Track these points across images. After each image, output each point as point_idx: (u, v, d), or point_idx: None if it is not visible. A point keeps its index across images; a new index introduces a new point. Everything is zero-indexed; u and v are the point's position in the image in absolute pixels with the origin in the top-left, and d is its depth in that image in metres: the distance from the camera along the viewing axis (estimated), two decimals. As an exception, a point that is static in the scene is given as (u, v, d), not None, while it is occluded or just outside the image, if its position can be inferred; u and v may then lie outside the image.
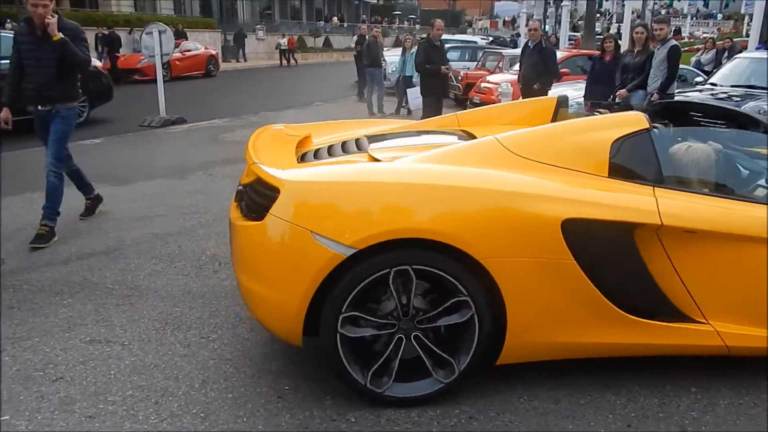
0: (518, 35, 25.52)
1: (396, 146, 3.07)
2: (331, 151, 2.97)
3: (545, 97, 4.11)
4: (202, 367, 2.76)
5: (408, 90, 10.33)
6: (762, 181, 2.91)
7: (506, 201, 2.35)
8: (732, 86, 8.10)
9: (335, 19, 43.87)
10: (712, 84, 8.27)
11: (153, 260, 4.06)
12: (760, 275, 2.47)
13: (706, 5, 43.90)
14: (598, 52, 9.17)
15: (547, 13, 37.00)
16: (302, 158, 2.91)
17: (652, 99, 6.78)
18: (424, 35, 8.24)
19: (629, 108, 7.18)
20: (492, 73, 12.84)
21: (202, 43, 22.30)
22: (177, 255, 4.17)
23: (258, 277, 2.43)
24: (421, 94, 8.28)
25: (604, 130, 2.62)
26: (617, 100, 7.31)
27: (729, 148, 3.01)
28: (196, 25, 26.23)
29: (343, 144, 3.09)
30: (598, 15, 42.18)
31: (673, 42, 6.99)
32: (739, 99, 7.49)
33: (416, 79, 11.34)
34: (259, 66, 26.85)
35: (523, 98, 8.13)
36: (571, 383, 2.66)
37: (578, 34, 30.02)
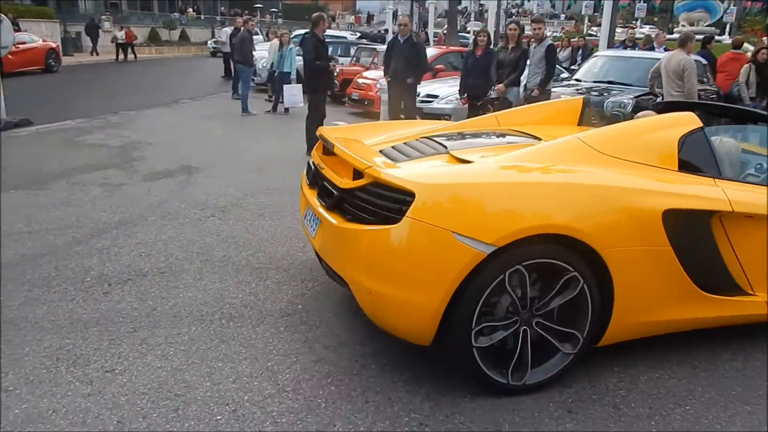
0: (386, 31, 26.11)
1: (474, 147, 3.21)
2: (404, 151, 3.10)
3: (571, 98, 4.48)
4: (113, 406, 2.47)
5: (285, 87, 10.09)
6: None
7: (621, 196, 2.61)
8: (594, 82, 8.94)
9: (191, 10, 41.76)
10: (577, 80, 9.07)
11: (25, 286, 3.56)
12: None
13: (552, 6, 48.19)
14: (468, 49, 9.68)
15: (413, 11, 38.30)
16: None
17: (533, 94, 7.30)
18: (307, 30, 8.05)
19: (509, 103, 7.68)
20: (368, 69, 12.99)
21: (38, 35, 20.05)
22: (54, 278, 3.69)
23: (394, 281, 2.46)
24: (308, 91, 8.08)
25: (670, 128, 2.97)
26: (495, 95, 7.73)
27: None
28: (29, 14, 23.51)
29: (408, 144, 3.26)
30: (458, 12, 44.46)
31: (550, 41, 7.58)
32: (601, 93, 8.28)
33: (294, 76, 11.17)
34: (110, 60, 24.76)
35: (391, 92, 8.27)
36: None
37: (440, 30, 31.44)
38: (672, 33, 22.83)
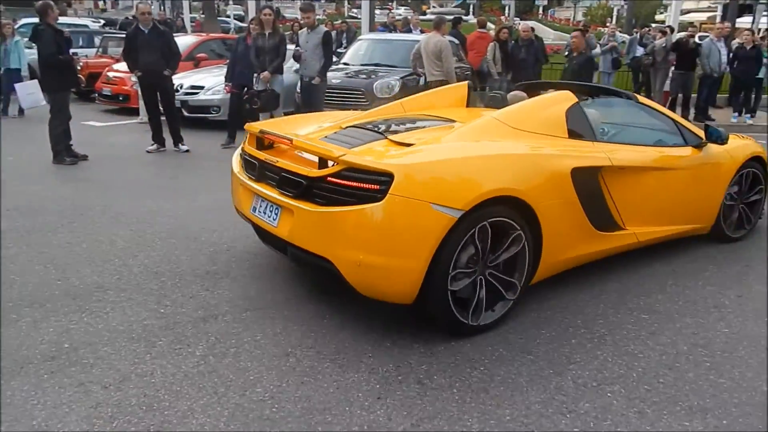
0: (134, 17, 24.14)
1: (405, 131, 3.68)
2: (345, 140, 3.44)
3: (458, 84, 5.06)
4: None
5: (18, 86, 8.72)
6: (656, 133, 4.44)
7: (542, 161, 3.40)
8: (362, 65, 9.36)
9: None
10: (345, 63, 9.40)
11: None
12: (664, 190, 4.15)
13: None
14: (240, 35, 9.41)
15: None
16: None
17: (313, 82, 7.37)
18: (38, 21, 6.97)
19: (276, 95, 7.63)
20: (118, 60, 11.86)
21: None
22: None
23: (382, 251, 2.88)
24: (47, 90, 7.03)
25: (557, 104, 3.83)
26: (260, 86, 7.59)
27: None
28: None
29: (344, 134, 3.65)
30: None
31: (325, 28, 7.71)
32: (369, 76, 8.70)
33: (25, 72, 9.73)
34: None
35: (144, 88, 7.67)
36: (314, 376, 2.77)
37: (197, 15, 30.11)
38: (425, 14, 25.01)
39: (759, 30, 22.03)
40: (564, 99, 3.91)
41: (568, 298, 3.72)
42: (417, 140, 3.32)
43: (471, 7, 34.68)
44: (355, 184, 2.92)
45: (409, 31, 14.10)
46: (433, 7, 26.75)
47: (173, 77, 7.77)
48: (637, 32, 13.99)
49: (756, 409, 2.68)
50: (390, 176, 2.84)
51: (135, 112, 10.07)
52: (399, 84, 8.36)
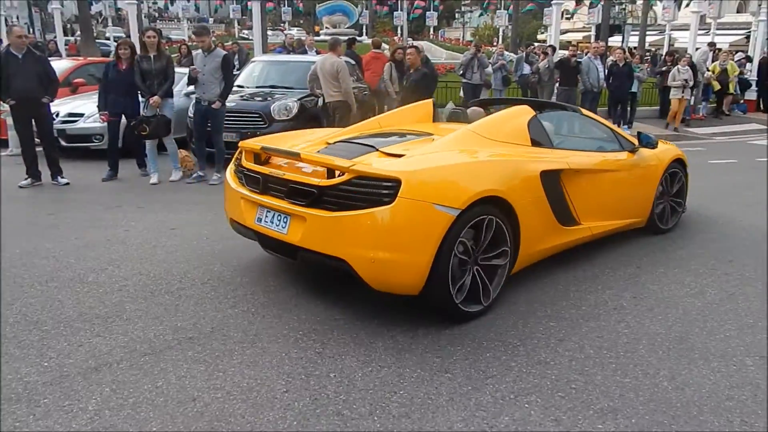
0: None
1: (392, 144, 4.00)
2: (339, 153, 3.75)
3: (423, 102, 5.48)
4: None
5: None
6: (597, 141, 5.11)
7: (517, 165, 3.96)
8: (257, 87, 9.21)
9: None
10: (239, 86, 9.20)
11: None
12: (609, 190, 4.85)
13: (197, 9, 48.15)
14: (111, 59, 8.94)
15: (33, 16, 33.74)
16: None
17: (213, 107, 7.11)
18: None
19: (167, 120, 7.31)
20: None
21: None
22: None
23: (393, 247, 3.27)
24: None
25: (520, 117, 4.45)
26: (149, 112, 7.24)
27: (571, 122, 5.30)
28: None
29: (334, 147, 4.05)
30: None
31: (224, 51, 7.49)
32: (265, 98, 8.57)
33: None
34: None
35: (17, 116, 7.08)
36: (224, 419, 2.63)
37: (72, 38, 28.56)
38: (318, 35, 25.16)
39: (629, 48, 24.13)
40: (524, 112, 4.55)
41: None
42: (405, 151, 3.76)
43: (364, 28, 35.35)
44: (365, 190, 3.33)
45: (305, 52, 14.13)
46: (326, 28, 26.95)
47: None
48: (523, 51, 14.86)
49: (659, 405, 2.85)
50: (397, 182, 3.27)
51: (3, 144, 9.28)
52: (297, 105, 8.29)
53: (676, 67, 13.23)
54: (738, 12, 39.98)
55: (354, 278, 3.41)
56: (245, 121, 8.07)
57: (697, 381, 3.07)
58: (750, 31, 18.94)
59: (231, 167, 4.29)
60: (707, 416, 2.78)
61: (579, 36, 45.09)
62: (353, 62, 11.05)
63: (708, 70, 14.78)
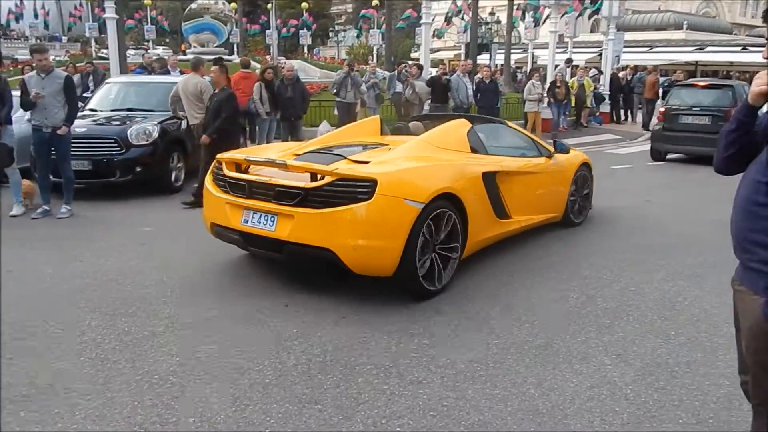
0: None
1: (358, 153, 4.76)
2: (314, 160, 4.49)
3: (371, 117, 6.74)
4: None
5: None
6: (521, 148, 6.08)
7: (464, 168, 4.83)
8: (112, 110, 8.66)
9: None
10: (92, 110, 8.62)
11: None
12: (533, 189, 5.78)
13: (47, 27, 44.92)
14: None
15: None
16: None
17: (59, 132, 6.52)
18: None
19: (9, 148, 6.67)
20: None
21: None
22: None
23: (372, 236, 4.04)
24: None
25: (460, 128, 5.39)
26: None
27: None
28: None
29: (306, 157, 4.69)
30: None
31: (64, 73, 6.95)
32: (123, 122, 8.08)
33: None
34: None
35: None
36: (124, 421, 2.36)
37: None
38: (186, 54, 24.35)
39: (497, 65, 25.64)
40: (463, 125, 5.51)
41: (352, 336, 3.76)
42: (370, 158, 4.52)
43: (235, 46, 34.76)
44: (346, 189, 4.04)
45: (167, 72, 13.57)
46: (194, 47, 26.13)
47: None
48: (396, 69, 15.23)
49: (527, 414, 2.95)
50: (374, 182, 4.02)
51: None
52: (157, 129, 7.88)
53: (530, 82, 14.23)
54: (592, 31, 43.90)
55: (333, 268, 4.25)
56: (99, 148, 7.53)
57: (561, 384, 3.22)
58: (602, 49, 20.77)
59: (209, 177, 4.93)
60: (571, 420, 2.91)
61: (450, 54, 47.23)
62: (220, 82, 10.75)
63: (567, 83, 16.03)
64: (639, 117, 18.24)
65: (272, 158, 4.54)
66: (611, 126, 17.63)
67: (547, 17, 21.81)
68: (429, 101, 12.44)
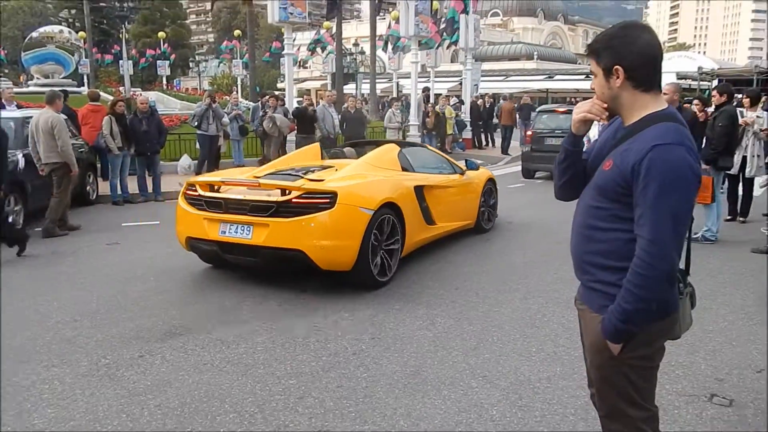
0: None
1: (314, 172, 5.82)
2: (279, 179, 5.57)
3: (311, 145, 7.84)
4: None
5: None
6: (439, 167, 7.24)
7: (400, 182, 5.95)
8: None
9: None
10: None
11: None
12: (452, 200, 6.90)
13: None
14: None
15: None
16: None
17: None
18: None
19: None
20: None
21: None
22: None
23: (334, 236, 5.02)
24: None
25: (391, 151, 6.52)
26: None
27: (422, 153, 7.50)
28: None
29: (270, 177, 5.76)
30: None
31: None
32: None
33: None
34: None
35: None
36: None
37: None
38: (27, 85, 22.56)
39: (362, 95, 26.28)
40: (393, 148, 6.71)
41: (212, 384, 3.57)
42: (322, 177, 5.50)
43: (85, 77, 32.82)
44: (312, 201, 5.03)
45: (2, 106, 12.42)
46: (37, 78, 24.28)
47: None
48: (260, 100, 15.09)
49: (397, 447, 2.93)
50: (335, 194, 5.01)
51: None
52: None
53: (390, 110, 14.74)
54: (452, 61, 46.48)
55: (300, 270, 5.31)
56: None
57: (431, 413, 3.25)
58: (462, 78, 22.00)
59: (181, 199, 5.70)
60: (440, 447, 2.93)
61: (317, 84, 47.80)
62: (65, 116, 10.02)
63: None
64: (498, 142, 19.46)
65: (245, 178, 5.62)
66: (473, 151, 18.60)
67: (401, 48, 22.83)
68: (294, 132, 12.41)
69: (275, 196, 5.07)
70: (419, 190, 6.12)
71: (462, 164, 7.59)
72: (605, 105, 1.98)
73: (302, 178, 5.40)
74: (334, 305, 4.95)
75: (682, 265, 2.02)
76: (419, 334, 4.36)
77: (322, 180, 5.36)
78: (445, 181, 6.92)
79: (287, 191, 5.06)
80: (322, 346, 4.15)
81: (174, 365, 3.85)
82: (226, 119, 12.56)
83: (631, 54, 1.89)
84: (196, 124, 12.11)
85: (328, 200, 4.99)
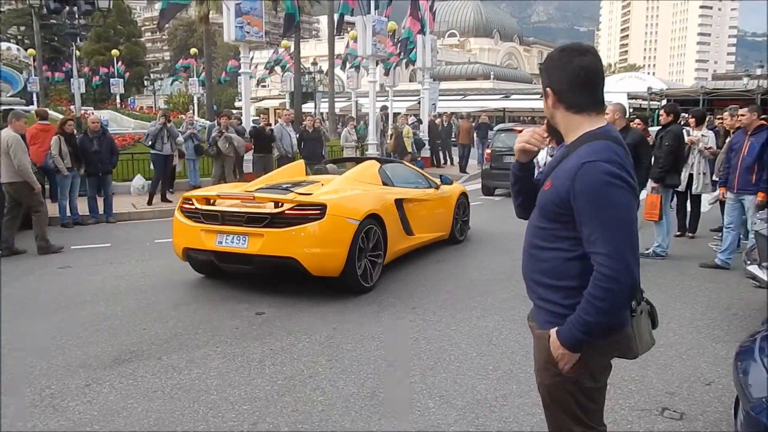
0: None
1: (300, 187, 6.19)
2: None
3: (296, 162, 8.19)
4: None
5: None
6: (416, 182, 7.69)
7: (383, 195, 6.41)
8: None
9: None
10: None
11: None
12: (428, 213, 7.36)
13: None
14: None
15: None
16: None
17: None
18: None
19: None
20: None
21: None
22: None
23: (324, 245, 5.44)
24: None
25: (372, 168, 7.02)
26: None
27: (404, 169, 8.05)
28: None
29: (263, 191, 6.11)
30: None
31: None
32: None
33: None
34: None
35: None
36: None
37: None
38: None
39: (321, 114, 26.30)
40: (374, 164, 7.22)
41: (162, 412, 3.47)
42: (311, 191, 5.85)
43: (35, 96, 31.97)
44: (303, 212, 5.42)
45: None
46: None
47: None
48: (216, 119, 14.91)
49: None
50: (325, 206, 5.43)
51: None
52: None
53: (345, 129, 14.80)
54: (411, 81, 47.01)
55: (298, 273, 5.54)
56: None
57: (387, 435, 3.23)
58: (420, 97, 22.25)
59: (178, 213, 6.03)
60: (396, 470, 2.90)
61: (276, 102, 47.64)
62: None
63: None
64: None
65: (240, 192, 6.02)
66: (432, 170, 18.75)
67: (357, 66, 22.99)
68: (251, 152, 12.30)
69: (269, 209, 5.50)
70: (399, 203, 6.58)
71: (437, 180, 8.09)
72: (545, 135, 2.04)
73: (292, 192, 5.79)
74: (291, 327, 4.89)
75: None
76: (376, 355, 4.33)
77: (311, 194, 5.75)
78: (422, 195, 7.38)
79: (280, 204, 5.48)
80: (278, 369, 4.09)
81: (122, 393, 3.73)
82: (180, 138, 12.37)
83: (560, 78, 1.96)
84: (150, 143, 11.89)
85: (318, 212, 5.42)
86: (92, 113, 14.55)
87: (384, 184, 6.85)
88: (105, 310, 5.37)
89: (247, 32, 12.40)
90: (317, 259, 5.40)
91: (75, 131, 10.16)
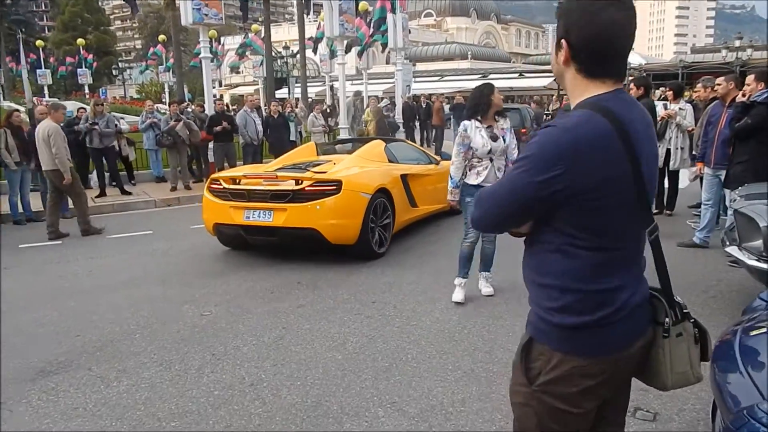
0: None
1: (317, 166, 6.90)
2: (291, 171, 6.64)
3: (308, 144, 9.12)
4: None
5: None
6: (418, 158, 8.38)
7: (390, 171, 7.20)
8: None
9: None
10: None
11: None
12: (430, 186, 7.86)
13: None
14: None
15: None
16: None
17: None
18: None
19: None
20: None
21: None
22: None
23: (340, 216, 6.10)
24: None
25: (379, 147, 7.74)
26: None
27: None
28: None
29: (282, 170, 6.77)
30: None
31: None
32: None
33: None
34: None
35: None
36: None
37: None
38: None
39: (296, 100, 25.70)
40: (380, 144, 7.82)
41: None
42: (326, 170, 6.49)
43: (0, 89, 31.07)
44: (321, 188, 6.10)
45: None
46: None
47: None
48: (186, 107, 14.36)
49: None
50: (341, 182, 6.12)
51: None
52: None
53: (312, 114, 14.35)
54: (387, 63, 46.37)
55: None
56: None
57: (328, 452, 2.89)
58: (395, 79, 21.75)
59: (207, 192, 6.75)
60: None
61: (251, 89, 46.80)
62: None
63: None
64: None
65: (264, 172, 6.60)
66: (408, 153, 18.39)
67: (331, 47, 22.42)
68: (212, 142, 11.81)
69: (290, 186, 6.12)
70: (404, 178, 7.19)
71: (438, 156, 8.88)
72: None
73: (309, 170, 6.45)
74: (238, 328, 4.53)
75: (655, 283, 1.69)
76: (327, 357, 3.99)
77: (326, 172, 6.39)
78: (425, 170, 7.95)
79: (300, 181, 6.12)
80: (218, 378, 3.73)
81: (39, 412, 3.37)
82: (125, 126, 11.82)
83: (582, 31, 1.53)
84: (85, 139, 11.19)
85: (335, 187, 6.08)
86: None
87: (390, 161, 7.50)
88: (39, 316, 4.97)
89: (206, 14, 11.89)
90: (335, 229, 6.07)
91: (22, 124, 9.64)
